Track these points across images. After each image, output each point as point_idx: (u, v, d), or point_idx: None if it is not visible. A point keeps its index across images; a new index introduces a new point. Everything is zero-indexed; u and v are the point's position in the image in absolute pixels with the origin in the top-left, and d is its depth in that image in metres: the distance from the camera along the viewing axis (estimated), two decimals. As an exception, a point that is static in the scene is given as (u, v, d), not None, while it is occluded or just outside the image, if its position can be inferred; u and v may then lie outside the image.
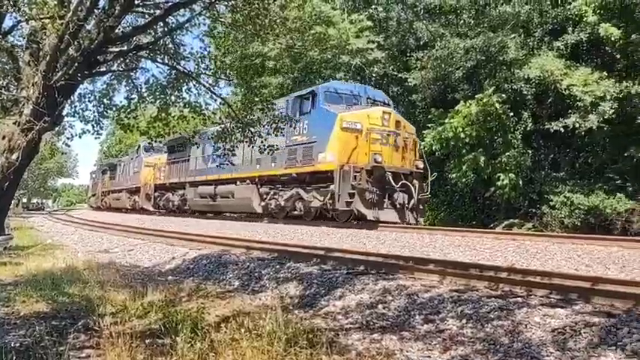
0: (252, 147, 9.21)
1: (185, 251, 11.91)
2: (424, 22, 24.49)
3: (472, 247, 10.14)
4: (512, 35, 20.71)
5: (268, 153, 9.52)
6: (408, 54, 25.86)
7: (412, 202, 15.92)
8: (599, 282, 6.28)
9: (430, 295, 6.27)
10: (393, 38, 26.29)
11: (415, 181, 16.03)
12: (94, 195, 49.51)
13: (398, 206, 15.73)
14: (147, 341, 5.05)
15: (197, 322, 5.41)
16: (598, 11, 18.48)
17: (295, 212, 18.11)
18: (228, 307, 6.75)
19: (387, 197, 15.59)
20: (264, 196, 19.57)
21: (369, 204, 15.27)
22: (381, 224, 14.99)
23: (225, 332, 4.93)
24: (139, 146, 33.49)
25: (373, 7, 26.43)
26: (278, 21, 8.73)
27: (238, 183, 20.65)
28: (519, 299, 5.76)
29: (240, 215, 22.79)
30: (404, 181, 15.67)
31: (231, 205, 21.67)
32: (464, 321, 5.42)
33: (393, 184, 15.38)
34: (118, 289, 7.49)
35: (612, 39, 17.98)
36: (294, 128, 15.62)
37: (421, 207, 16.60)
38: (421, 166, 16.75)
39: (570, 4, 19.72)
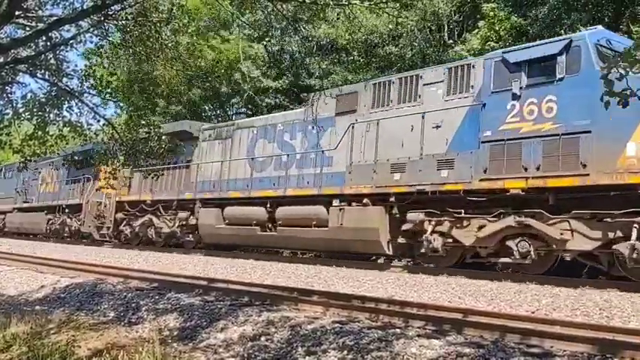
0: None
1: (56, 279, 11.12)
2: (316, 58, 25.16)
3: (355, 278, 10.37)
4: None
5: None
6: (301, 86, 26.37)
7: None
8: (470, 314, 6.66)
9: (313, 326, 6.31)
10: (287, 73, 26.71)
11: None
12: None
13: None
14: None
15: (66, 356, 5.07)
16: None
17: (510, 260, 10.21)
18: (101, 339, 6.37)
19: None
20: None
21: None
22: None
23: (98, 367, 4.65)
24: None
25: (267, 39, 26.74)
26: (170, 45, 8.60)
27: (336, 203, 12.83)
28: (398, 330, 5.96)
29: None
30: None
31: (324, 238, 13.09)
32: (345, 352, 5.49)
33: None
34: (-25, 321, 6.82)
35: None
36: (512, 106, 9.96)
37: None
38: None
39: (452, 47, 21.15)
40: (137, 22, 7.78)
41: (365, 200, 12.25)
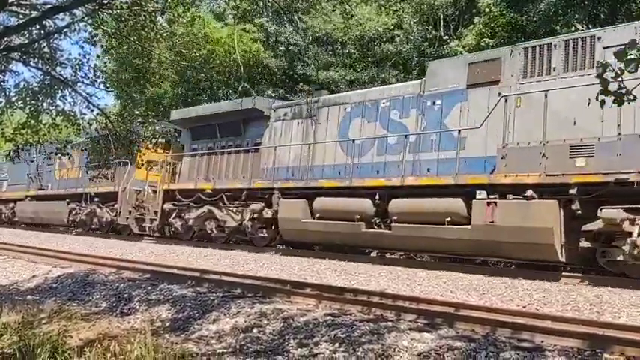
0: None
1: (48, 269, 11.09)
2: (313, 50, 25.07)
3: (348, 271, 10.39)
4: (395, 72, 21.91)
5: None
6: (296, 77, 26.30)
7: None
8: (461, 307, 6.69)
9: (306, 318, 6.32)
10: (283, 57, 26.60)
11: None
12: None
13: None
14: (-2, 367, 4.63)
15: (58, 346, 5.06)
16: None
17: None
18: (93, 329, 6.36)
19: None
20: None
21: None
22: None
23: (89, 357, 4.64)
24: None
25: (265, 19, 26.50)
26: (165, 35, 8.56)
27: (481, 195, 10.33)
28: (390, 323, 5.98)
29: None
30: None
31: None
32: (337, 344, 5.51)
33: None
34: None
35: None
36: None
37: None
38: None
39: (448, 43, 21.15)
40: (132, 11, 7.72)
41: (529, 192, 9.65)
